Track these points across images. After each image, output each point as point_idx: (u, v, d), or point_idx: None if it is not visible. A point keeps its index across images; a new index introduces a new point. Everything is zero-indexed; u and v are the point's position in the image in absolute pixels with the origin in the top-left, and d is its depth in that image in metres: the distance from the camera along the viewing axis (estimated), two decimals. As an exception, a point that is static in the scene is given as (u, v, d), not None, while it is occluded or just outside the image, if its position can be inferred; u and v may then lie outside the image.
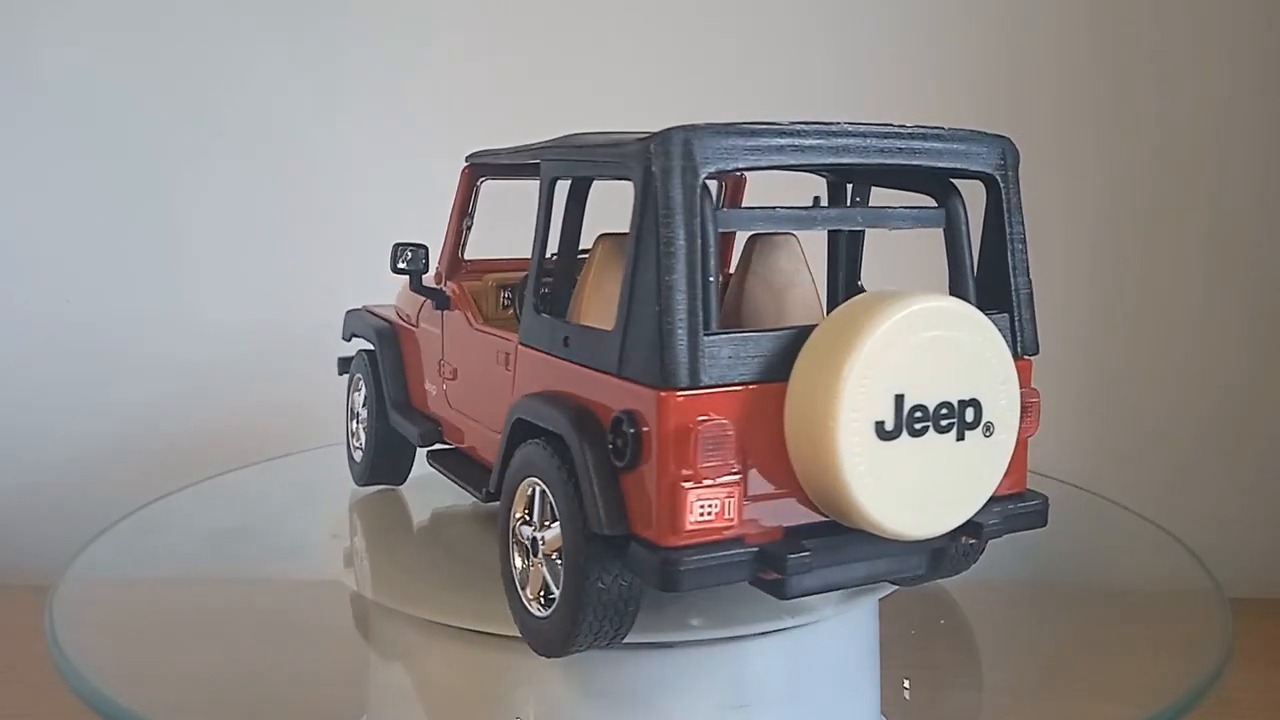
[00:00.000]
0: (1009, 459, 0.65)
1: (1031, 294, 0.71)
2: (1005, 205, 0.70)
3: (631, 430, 0.62)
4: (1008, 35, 1.44)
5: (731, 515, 0.62)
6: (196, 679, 1.00)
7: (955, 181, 0.72)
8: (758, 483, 0.63)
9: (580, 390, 0.67)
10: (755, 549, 0.62)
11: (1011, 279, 0.71)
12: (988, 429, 0.63)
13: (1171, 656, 0.89)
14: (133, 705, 0.78)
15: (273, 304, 1.50)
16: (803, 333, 0.63)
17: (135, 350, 1.51)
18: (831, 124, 0.65)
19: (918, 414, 0.61)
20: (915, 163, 0.68)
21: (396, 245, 0.92)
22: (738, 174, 0.96)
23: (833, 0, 1.45)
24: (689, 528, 0.61)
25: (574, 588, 0.65)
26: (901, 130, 0.67)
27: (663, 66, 1.46)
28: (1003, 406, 0.64)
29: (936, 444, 0.62)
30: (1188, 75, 1.42)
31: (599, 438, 0.64)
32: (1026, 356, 0.71)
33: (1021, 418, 0.66)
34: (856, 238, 0.83)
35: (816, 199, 0.78)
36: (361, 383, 1.04)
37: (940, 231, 0.72)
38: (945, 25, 1.44)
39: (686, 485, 0.60)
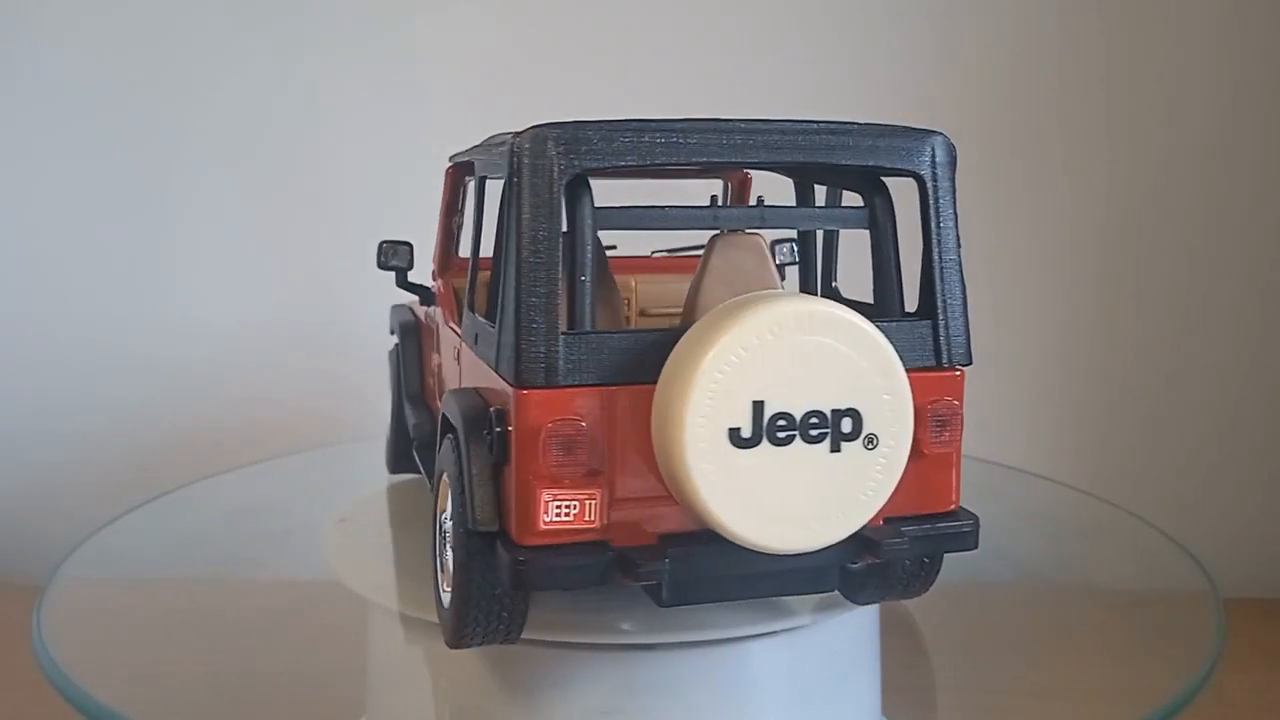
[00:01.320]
0: (898, 473, 0.61)
1: (963, 301, 0.67)
2: (933, 205, 0.66)
3: (499, 429, 0.62)
4: (1008, 33, 1.44)
5: (593, 517, 0.61)
6: (193, 680, 1.00)
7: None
8: (631, 486, 0.61)
9: (481, 386, 0.68)
10: (613, 553, 0.60)
11: (937, 284, 0.66)
12: (870, 441, 0.60)
13: (1166, 657, 0.89)
14: (129, 707, 0.78)
15: (269, 303, 1.50)
16: (676, 334, 0.60)
17: (132, 350, 1.51)
18: (723, 121, 0.63)
19: (781, 422, 0.58)
20: (823, 160, 0.65)
21: (382, 243, 0.93)
22: (743, 173, 0.96)
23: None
24: (543, 527, 0.60)
25: (459, 582, 0.65)
26: (808, 126, 0.64)
27: (664, 59, 1.46)
28: (888, 418, 0.60)
29: (805, 454, 0.59)
30: (1191, 75, 1.42)
31: (481, 435, 0.64)
32: (955, 367, 0.66)
33: (935, 430, 0.64)
34: (829, 237, 0.80)
35: (714, 198, 0.76)
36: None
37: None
38: (944, 24, 1.44)
39: (540, 485, 0.60)
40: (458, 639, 0.68)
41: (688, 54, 1.46)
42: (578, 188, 0.63)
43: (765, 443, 0.58)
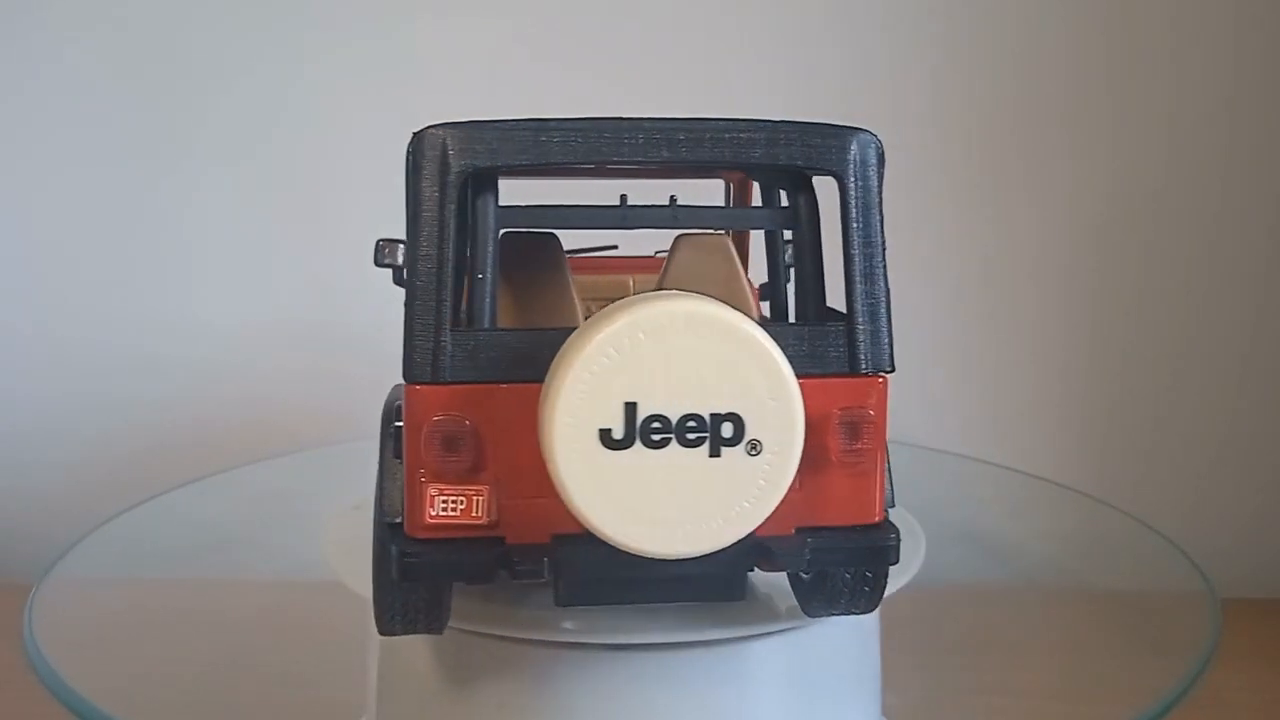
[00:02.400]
0: (785, 482, 0.59)
1: (881, 304, 0.64)
2: (853, 206, 0.65)
3: (396, 423, 0.63)
4: (1009, 35, 1.44)
5: (480, 513, 0.61)
6: (190, 680, 1.00)
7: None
8: (523, 484, 0.61)
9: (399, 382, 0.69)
10: (499, 549, 0.61)
11: (855, 288, 0.64)
12: (753, 447, 0.58)
13: (1163, 657, 0.90)
14: (127, 707, 0.78)
15: (269, 302, 1.50)
16: (567, 334, 0.60)
17: (129, 350, 1.50)
18: (626, 119, 0.63)
19: (655, 425, 0.57)
20: (732, 159, 0.63)
21: (379, 241, 0.93)
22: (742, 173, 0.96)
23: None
24: (429, 521, 0.61)
25: (374, 571, 0.67)
26: (718, 124, 0.63)
27: (664, 58, 1.46)
28: (773, 425, 0.58)
29: (682, 458, 0.57)
30: (1192, 76, 1.42)
31: (388, 429, 0.66)
32: (875, 374, 0.64)
33: (847, 439, 0.62)
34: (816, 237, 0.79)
35: (623, 197, 0.75)
36: None
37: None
38: (943, 24, 1.44)
39: (426, 479, 0.61)
40: (380, 626, 0.69)
41: (693, 55, 1.46)
42: (481, 187, 0.63)
43: (638, 445, 0.57)
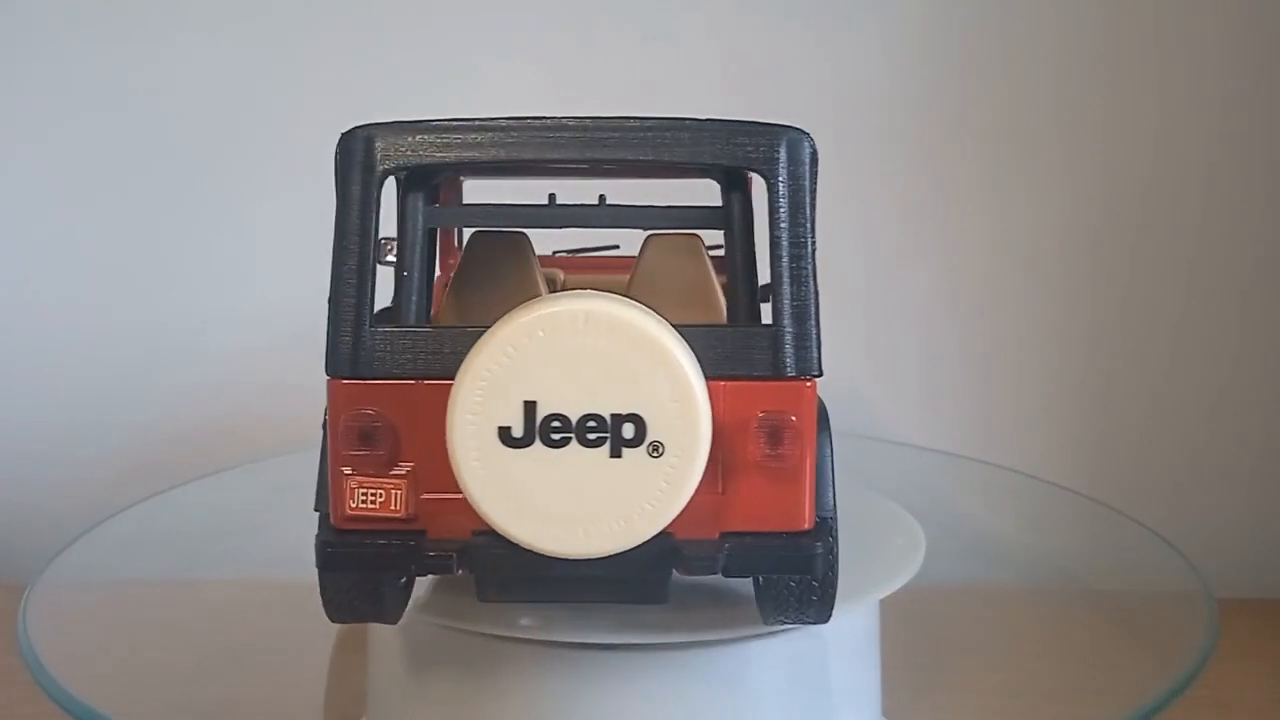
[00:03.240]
0: (689, 485, 0.58)
1: (807, 306, 0.63)
2: (779, 206, 0.63)
3: (326, 417, 0.64)
4: (1008, 29, 1.44)
5: (399, 507, 0.62)
6: (188, 681, 1.00)
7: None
8: (443, 479, 0.61)
9: None
10: (415, 543, 0.62)
11: (780, 290, 0.63)
12: (654, 449, 0.57)
13: (1161, 657, 0.90)
14: (126, 708, 0.78)
15: (266, 302, 1.50)
16: (483, 332, 0.60)
17: (125, 351, 1.50)
18: (550, 118, 0.63)
19: (555, 424, 0.57)
20: (655, 157, 0.63)
21: (382, 239, 0.93)
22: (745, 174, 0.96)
23: None
24: (350, 512, 0.62)
25: (316, 562, 0.67)
26: (642, 123, 0.63)
27: (664, 60, 1.46)
28: (676, 427, 0.57)
29: (583, 458, 0.57)
30: (1192, 75, 1.42)
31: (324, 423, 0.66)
32: (799, 378, 0.63)
33: (768, 444, 0.61)
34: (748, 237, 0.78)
35: (552, 196, 0.76)
36: None
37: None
38: (943, 22, 1.44)
39: (344, 472, 0.62)
40: (329, 614, 0.70)
41: (694, 54, 1.46)
42: (411, 186, 0.64)
43: (538, 443, 0.57)
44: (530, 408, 0.57)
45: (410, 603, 0.77)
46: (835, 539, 0.67)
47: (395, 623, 0.73)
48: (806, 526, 0.63)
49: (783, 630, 0.75)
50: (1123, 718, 0.76)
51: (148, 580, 1.15)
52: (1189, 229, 1.45)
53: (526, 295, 0.69)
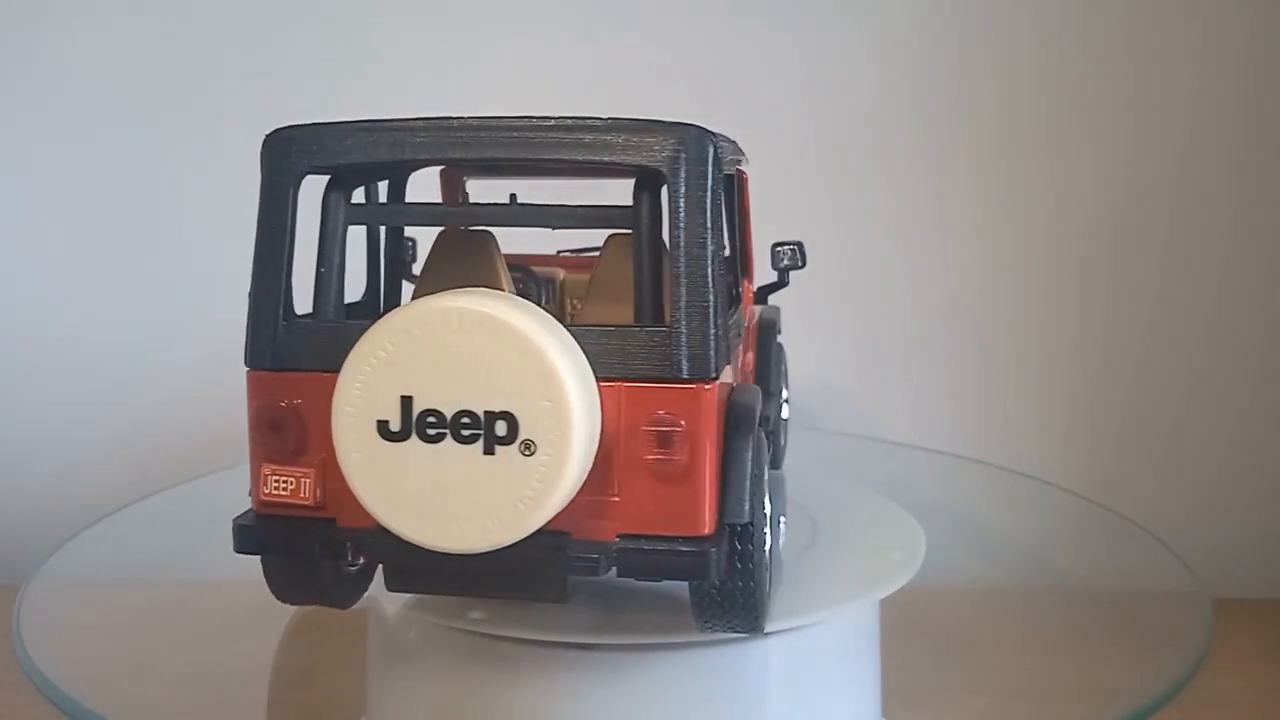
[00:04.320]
0: (562, 483, 0.58)
1: (705, 310, 0.61)
2: (675, 205, 0.62)
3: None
4: (1025, 25, 1.44)
5: (308, 495, 0.64)
6: (187, 681, 1.00)
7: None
8: None
9: None
10: (318, 531, 0.64)
11: (675, 291, 0.62)
12: (526, 447, 0.57)
13: (1155, 657, 0.90)
14: (125, 709, 0.78)
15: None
16: None
17: (121, 352, 1.50)
18: (453, 119, 0.64)
19: (431, 419, 0.58)
20: (552, 156, 0.63)
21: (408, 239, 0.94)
22: (741, 172, 0.96)
23: None
24: (265, 498, 0.65)
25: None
26: (541, 122, 0.63)
27: (667, 64, 1.46)
28: (547, 426, 0.57)
29: (457, 453, 0.58)
30: (1212, 72, 1.42)
31: None
32: (691, 381, 0.61)
33: (658, 447, 0.60)
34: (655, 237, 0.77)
35: (465, 195, 0.77)
36: None
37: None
38: (957, 19, 1.44)
39: (260, 459, 0.65)
40: (273, 593, 0.72)
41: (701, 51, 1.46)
42: (332, 185, 0.66)
43: (415, 438, 0.58)
44: (407, 403, 0.58)
45: (410, 602, 0.77)
46: (756, 546, 0.66)
47: (343, 608, 0.74)
48: (705, 532, 0.62)
49: (783, 630, 0.75)
50: (1122, 717, 0.76)
51: (143, 580, 1.15)
52: (1186, 229, 1.45)
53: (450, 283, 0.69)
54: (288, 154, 0.65)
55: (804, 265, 0.91)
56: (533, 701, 0.74)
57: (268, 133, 0.66)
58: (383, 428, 0.58)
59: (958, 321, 1.48)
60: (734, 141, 0.78)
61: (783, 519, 0.83)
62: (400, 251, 0.81)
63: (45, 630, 0.86)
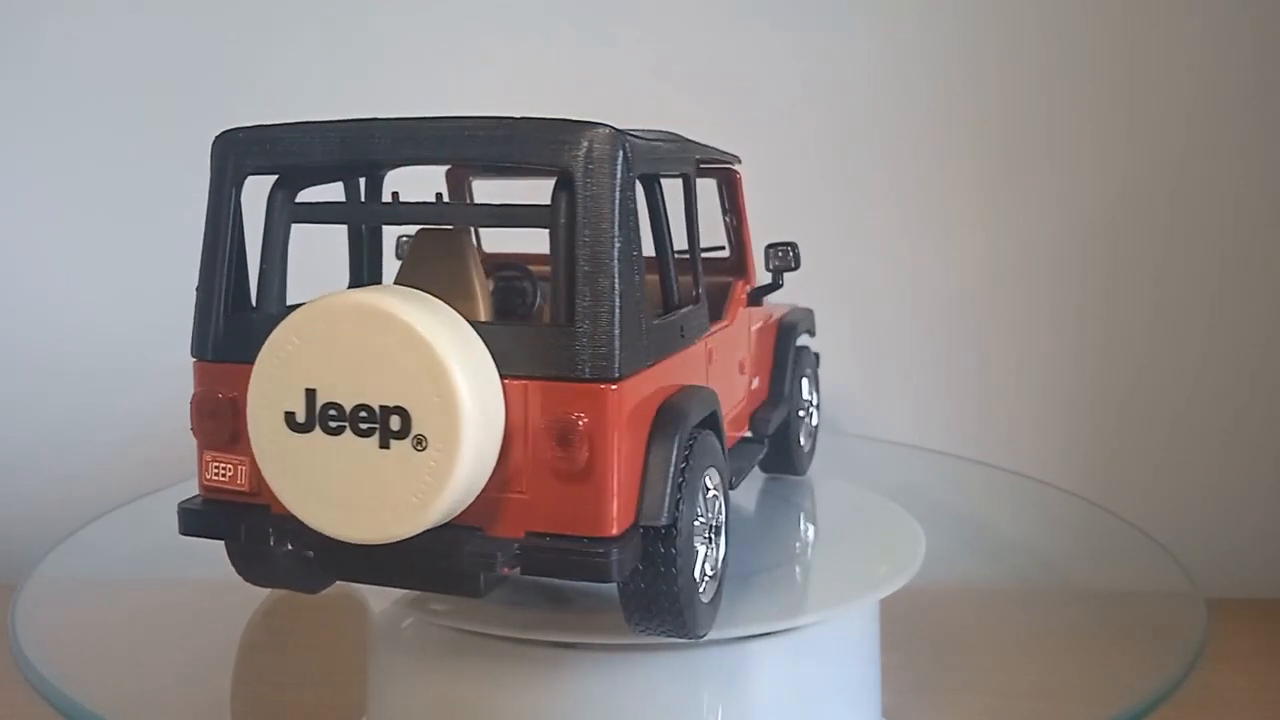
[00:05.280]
0: (454, 479, 0.58)
1: (607, 309, 0.61)
2: (579, 204, 0.62)
3: None
4: (1024, 25, 1.44)
5: (243, 481, 0.66)
6: (187, 681, 1.00)
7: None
8: None
9: None
10: (248, 516, 0.66)
11: (577, 289, 0.61)
12: (419, 442, 0.58)
13: (1153, 657, 0.90)
14: (124, 709, 0.78)
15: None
16: None
17: (123, 352, 1.50)
18: (373, 120, 0.65)
19: (332, 412, 0.59)
20: (463, 155, 0.65)
21: (400, 238, 0.94)
22: (734, 172, 0.96)
23: None
24: (206, 483, 0.68)
25: None
26: (453, 123, 0.64)
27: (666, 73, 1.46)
28: (438, 422, 0.58)
29: (356, 446, 0.59)
30: (1213, 70, 1.42)
31: None
32: (596, 380, 0.61)
33: (559, 447, 0.60)
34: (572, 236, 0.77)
35: (395, 194, 0.77)
36: None
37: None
38: (955, 19, 1.44)
39: (201, 446, 0.67)
40: (239, 575, 0.74)
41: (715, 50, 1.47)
42: (278, 185, 0.68)
43: (318, 430, 0.60)
44: (311, 395, 0.60)
45: (410, 602, 0.77)
46: (680, 550, 0.65)
47: (311, 593, 0.74)
48: (610, 533, 0.61)
49: (783, 630, 0.75)
50: (1121, 717, 0.76)
51: (140, 579, 1.15)
52: (1185, 231, 1.45)
53: (458, 289, 0.70)
54: (230, 155, 0.67)
55: (797, 267, 0.91)
56: (533, 701, 0.74)
57: (217, 134, 0.68)
58: (290, 419, 0.60)
59: (958, 322, 1.48)
60: (686, 142, 0.78)
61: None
62: (380, 249, 0.83)
63: (41, 630, 0.86)
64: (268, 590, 0.89)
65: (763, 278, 0.99)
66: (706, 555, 0.70)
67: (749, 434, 0.93)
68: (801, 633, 0.76)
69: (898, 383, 1.50)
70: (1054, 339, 1.48)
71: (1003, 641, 1.11)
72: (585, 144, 0.62)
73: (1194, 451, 1.47)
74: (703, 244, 0.97)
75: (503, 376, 0.61)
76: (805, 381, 1.08)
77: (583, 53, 1.46)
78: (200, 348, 0.68)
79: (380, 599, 0.82)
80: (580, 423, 0.60)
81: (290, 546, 0.64)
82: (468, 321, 0.61)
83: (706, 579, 0.70)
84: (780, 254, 0.92)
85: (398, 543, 0.60)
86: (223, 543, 0.70)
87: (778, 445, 1.03)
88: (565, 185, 0.62)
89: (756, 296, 0.93)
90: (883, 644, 0.86)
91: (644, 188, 0.71)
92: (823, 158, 1.46)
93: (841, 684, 0.82)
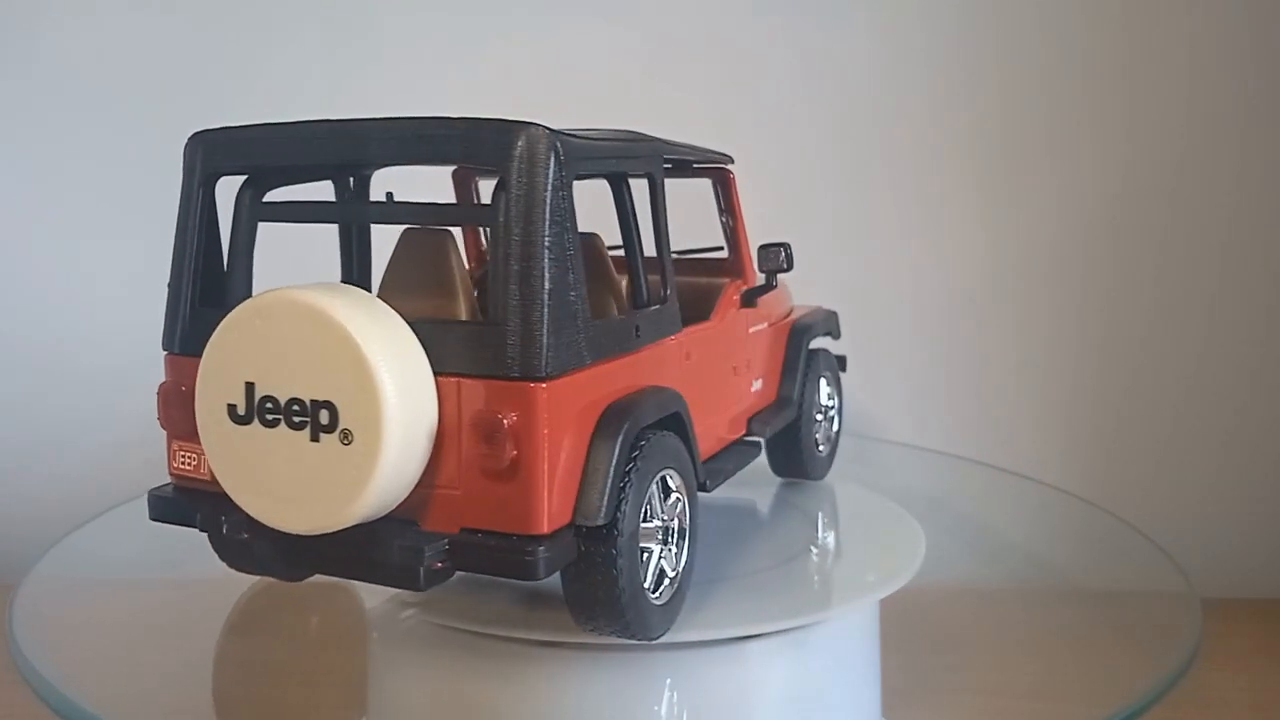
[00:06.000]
0: (378, 474, 0.59)
1: (536, 308, 0.61)
2: (512, 203, 0.62)
3: None
4: (1021, 26, 1.44)
5: (206, 471, 0.67)
6: (187, 682, 0.99)
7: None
8: None
9: None
10: (206, 504, 0.67)
11: (507, 288, 0.61)
12: (345, 436, 0.59)
13: (1151, 656, 0.90)
14: (123, 710, 0.78)
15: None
16: None
17: (117, 349, 1.50)
18: (321, 123, 0.66)
19: (269, 405, 0.61)
20: (405, 156, 0.66)
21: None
22: (728, 172, 0.96)
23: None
24: (174, 471, 0.71)
25: None
26: (395, 124, 0.65)
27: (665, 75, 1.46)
28: (363, 416, 0.59)
29: (289, 439, 0.60)
30: (1211, 71, 1.42)
31: None
32: (524, 379, 0.61)
33: (485, 444, 0.60)
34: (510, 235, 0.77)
35: (341, 195, 0.79)
36: None
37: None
38: (954, 18, 1.44)
39: (169, 435, 0.70)
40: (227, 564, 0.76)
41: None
42: (245, 185, 0.70)
43: (257, 422, 0.61)
44: (250, 388, 0.62)
45: (410, 602, 0.77)
46: (621, 551, 0.65)
47: (291, 581, 0.75)
48: (540, 531, 0.61)
49: (783, 630, 0.75)
50: (1120, 716, 0.76)
51: (138, 580, 1.15)
52: (1183, 232, 1.45)
53: (441, 288, 0.72)
54: (198, 156, 0.70)
55: (790, 268, 0.91)
56: (533, 701, 0.74)
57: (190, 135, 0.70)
58: (231, 411, 0.62)
59: (957, 322, 1.48)
60: (652, 142, 0.77)
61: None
62: (369, 248, 0.85)
63: (39, 630, 0.86)
64: (259, 589, 0.89)
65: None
66: (662, 557, 0.70)
67: (748, 436, 0.93)
68: (801, 633, 0.76)
69: (898, 383, 1.50)
70: (1054, 339, 1.48)
71: (1002, 641, 1.11)
72: (517, 144, 0.62)
73: (1194, 451, 1.47)
74: (702, 245, 0.97)
75: (438, 374, 0.62)
76: (824, 385, 1.07)
77: (582, 52, 1.46)
78: (169, 341, 0.71)
79: (374, 597, 0.82)
80: (506, 421, 0.60)
81: (244, 535, 0.65)
82: (405, 320, 0.62)
83: (666, 581, 0.71)
84: (772, 255, 0.91)
85: (336, 534, 0.61)
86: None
87: (788, 450, 1.02)
88: (502, 185, 0.63)
89: (750, 298, 0.92)
90: (883, 644, 0.86)
91: (615, 189, 0.73)
92: (822, 157, 1.46)
93: (841, 684, 0.82)
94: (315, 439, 0.60)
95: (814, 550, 0.90)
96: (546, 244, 0.61)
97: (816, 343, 1.05)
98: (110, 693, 0.83)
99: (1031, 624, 1.13)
